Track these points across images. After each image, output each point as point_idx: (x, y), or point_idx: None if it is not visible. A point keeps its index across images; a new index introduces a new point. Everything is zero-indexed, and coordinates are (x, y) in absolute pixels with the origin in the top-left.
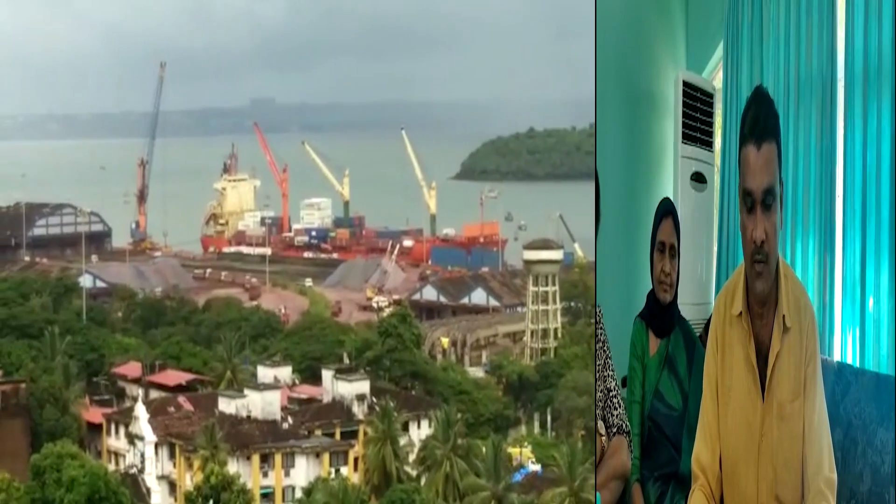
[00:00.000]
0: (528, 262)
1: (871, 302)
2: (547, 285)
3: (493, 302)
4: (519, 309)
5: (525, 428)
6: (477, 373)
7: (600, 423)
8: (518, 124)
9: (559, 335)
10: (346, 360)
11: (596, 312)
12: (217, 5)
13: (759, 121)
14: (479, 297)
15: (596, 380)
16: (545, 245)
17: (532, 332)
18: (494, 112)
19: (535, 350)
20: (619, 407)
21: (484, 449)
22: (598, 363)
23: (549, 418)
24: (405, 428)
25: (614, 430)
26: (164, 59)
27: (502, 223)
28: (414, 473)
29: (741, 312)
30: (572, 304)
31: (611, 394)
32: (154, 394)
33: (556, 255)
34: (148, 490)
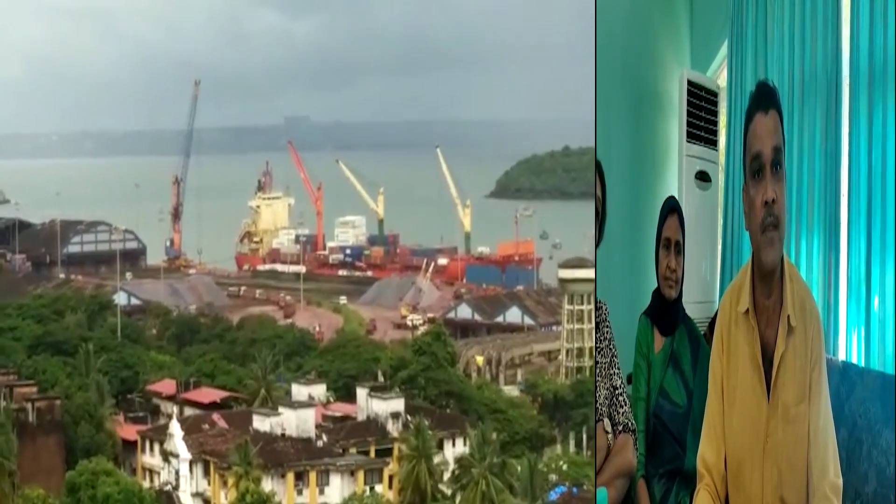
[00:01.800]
0: (563, 281)
1: (876, 301)
2: (582, 304)
3: (528, 320)
4: (554, 328)
5: (560, 447)
6: (512, 391)
7: (606, 421)
8: (553, 143)
9: (594, 354)
10: (381, 378)
11: (602, 310)
12: (253, 25)
13: (764, 97)
14: (513, 315)
15: (597, 378)
16: (580, 264)
17: (567, 351)
18: (529, 130)
19: (571, 369)
20: (625, 405)
21: (519, 468)
22: (604, 361)
23: (584, 437)
24: (440, 446)
25: (620, 427)
26: (198, 77)
27: (537, 241)
28: (449, 492)
29: (747, 310)
30: None
31: (616, 391)
32: (188, 411)
33: (591, 273)
34: None
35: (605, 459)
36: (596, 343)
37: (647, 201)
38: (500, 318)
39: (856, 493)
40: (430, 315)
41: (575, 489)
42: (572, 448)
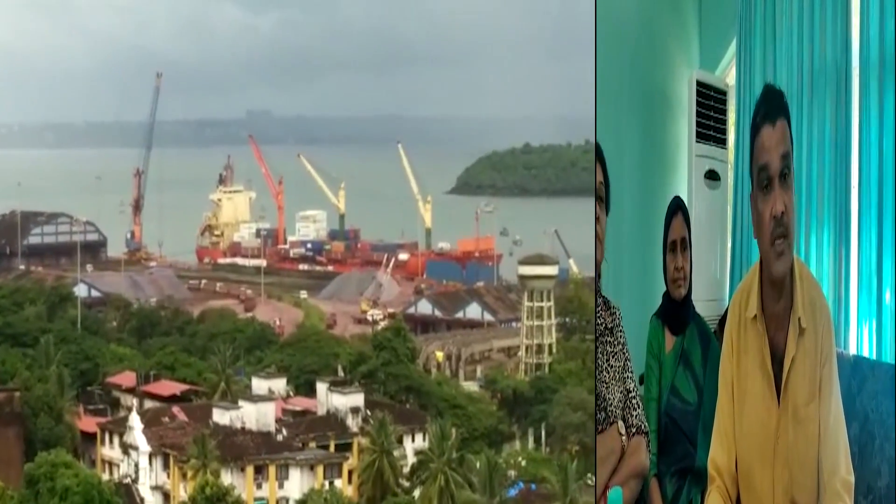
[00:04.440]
0: (523, 278)
1: (887, 294)
2: (542, 301)
3: (488, 316)
4: (514, 324)
5: (519, 443)
6: (471, 387)
7: (620, 424)
8: (514, 140)
9: (554, 351)
10: (341, 373)
11: (616, 315)
12: (217, 19)
13: (772, 104)
14: (474, 311)
15: (611, 381)
16: (540, 260)
17: (527, 348)
18: (491, 128)
19: (530, 365)
20: (639, 407)
21: (478, 463)
22: (618, 364)
23: (543, 434)
24: (399, 441)
25: (633, 429)
26: (162, 69)
27: (498, 238)
28: (408, 486)
29: (756, 315)
30: (567, 319)
31: (630, 394)
32: (148, 404)
33: (551, 270)
34: (142, 500)
35: (618, 461)
36: (610, 348)
37: (656, 202)
38: (460, 314)
39: (868, 488)
40: (391, 310)
41: (533, 485)
42: (531, 444)
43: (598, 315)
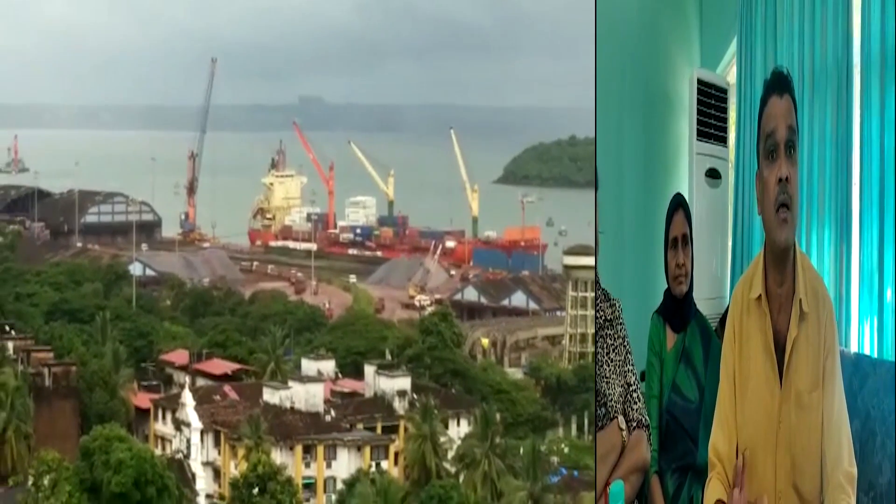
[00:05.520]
0: (567, 268)
1: (888, 292)
2: (586, 291)
3: (533, 305)
4: (558, 313)
5: (562, 430)
6: (516, 374)
7: (620, 419)
8: (560, 132)
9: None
10: (388, 357)
11: (616, 307)
12: (283, 5)
13: (780, 81)
14: (518, 299)
15: (612, 375)
16: (585, 251)
17: (570, 336)
18: (538, 118)
19: (574, 354)
20: (639, 401)
21: (521, 449)
22: (618, 358)
23: (585, 421)
24: (444, 425)
25: (634, 424)
26: (217, 54)
27: (543, 228)
28: (453, 470)
29: (760, 296)
30: None
31: (631, 388)
32: (200, 381)
33: (594, 261)
34: (193, 475)
35: (619, 456)
36: (610, 340)
37: (657, 200)
38: (505, 302)
39: (869, 485)
40: (438, 296)
41: (576, 472)
42: (574, 432)
43: (598, 307)
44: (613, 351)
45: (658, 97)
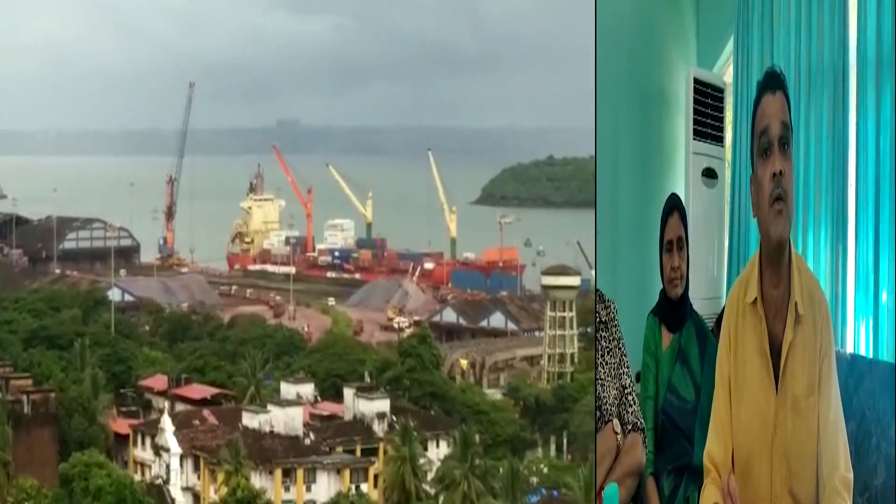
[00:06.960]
0: (545, 288)
1: (884, 293)
2: (564, 311)
3: (512, 326)
4: (536, 333)
5: (541, 450)
6: (495, 394)
7: (615, 422)
8: (537, 152)
9: (575, 360)
10: (367, 379)
11: (611, 309)
12: (266, 26)
13: (773, 80)
14: (497, 320)
15: (606, 378)
16: (563, 271)
17: (549, 357)
18: (515, 139)
19: (552, 374)
20: (634, 404)
21: (500, 470)
22: (613, 360)
23: (564, 441)
24: (423, 447)
25: (629, 426)
26: (195, 78)
27: (521, 248)
28: (432, 492)
29: (755, 300)
30: (589, 329)
31: (626, 391)
32: (179, 407)
33: (573, 281)
34: (173, 501)
35: (615, 459)
36: (605, 343)
37: (654, 200)
38: (484, 323)
39: (864, 486)
40: (416, 318)
41: (555, 492)
42: (553, 452)
43: (595, 309)
44: (608, 353)
45: (654, 95)
